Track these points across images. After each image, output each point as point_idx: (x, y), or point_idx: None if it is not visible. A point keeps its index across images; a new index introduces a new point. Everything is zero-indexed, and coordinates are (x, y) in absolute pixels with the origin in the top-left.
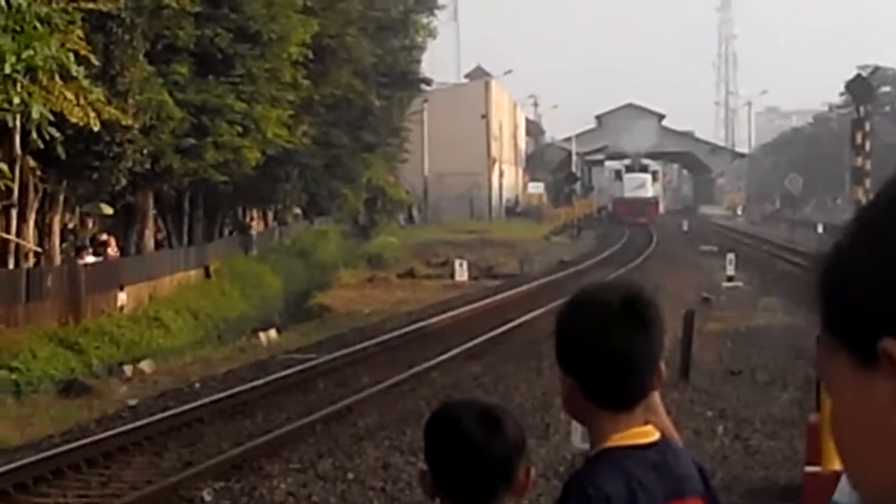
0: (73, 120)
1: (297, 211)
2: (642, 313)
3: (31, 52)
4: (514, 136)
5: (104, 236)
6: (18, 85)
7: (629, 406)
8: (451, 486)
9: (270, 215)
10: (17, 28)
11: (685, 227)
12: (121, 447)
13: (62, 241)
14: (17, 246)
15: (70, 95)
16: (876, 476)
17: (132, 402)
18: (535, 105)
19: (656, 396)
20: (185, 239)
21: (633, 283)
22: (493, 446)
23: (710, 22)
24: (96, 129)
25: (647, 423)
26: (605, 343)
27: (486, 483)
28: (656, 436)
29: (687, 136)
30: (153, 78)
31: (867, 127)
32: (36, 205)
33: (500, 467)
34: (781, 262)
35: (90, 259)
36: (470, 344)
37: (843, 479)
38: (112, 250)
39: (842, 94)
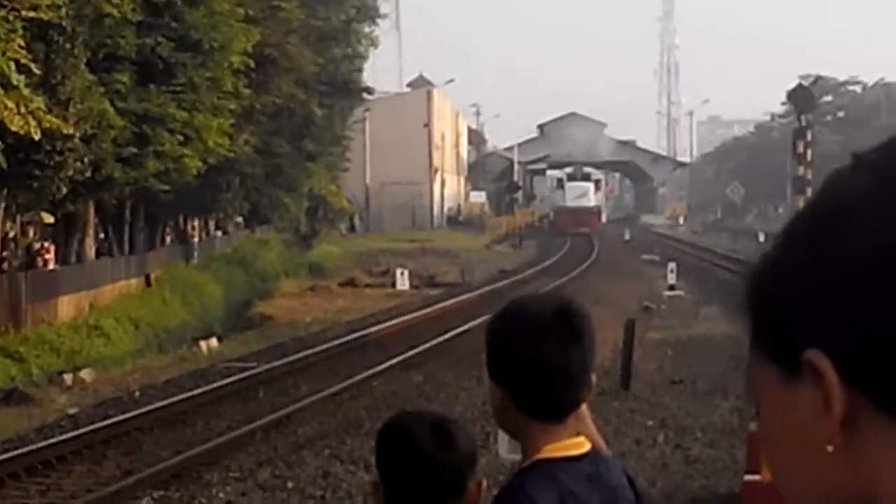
0: (14, 129)
1: (239, 220)
2: (574, 324)
3: None
4: (457, 146)
5: (37, 245)
6: None
7: (561, 417)
8: (402, 497)
9: (212, 224)
10: None
11: (627, 237)
12: (60, 456)
13: (3, 249)
14: None
15: (10, 104)
16: (804, 487)
17: (72, 410)
18: (478, 114)
19: (584, 407)
20: (126, 247)
21: (564, 296)
22: (445, 458)
23: (652, 31)
24: (37, 137)
25: (578, 434)
26: (538, 354)
27: (436, 495)
28: (587, 447)
29: (629, 145)
30: (94, 87)
31: (808, 136)
32: None
33: (451, 480)
34: (723, 271)
35: (50, 258)
36: (411, 353)
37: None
38: (49, 256)
39: (783, 103)
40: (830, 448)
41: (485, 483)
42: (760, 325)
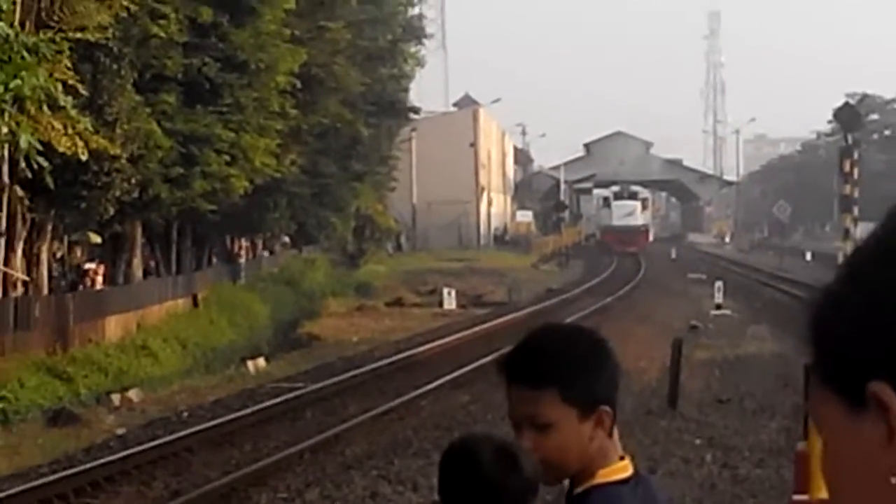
0: (61, 149)
1: (286, 239)
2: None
3: (18, 81)
4: (503, 165)
5: (88, 265)
6: (6, 115)
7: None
8: None
9: (259, 244)
10: (5, 58)
11: (673, 255)
12: (108, 476)
13: (51, 269)
14: (5, 275)
15: (58, 125)
16: None
17: (120, 431)
18: (524, 133)
19: None
20: (174, 267)
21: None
22: (509, 483)
23: (698, 50)
24: (84, 158)
25: (622, 457)
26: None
27: None
28: (631, 468)
29: (675, 163)
30: (141, 107)
31: (855, 155)
32: (24, 234)
33: None
34: (770, 290)
35: (99, 279)
36: (458, 372)
37: None
38: (98, 277)
39: (830, 121)
40: (894, 479)
41: None
42: (824, 356)
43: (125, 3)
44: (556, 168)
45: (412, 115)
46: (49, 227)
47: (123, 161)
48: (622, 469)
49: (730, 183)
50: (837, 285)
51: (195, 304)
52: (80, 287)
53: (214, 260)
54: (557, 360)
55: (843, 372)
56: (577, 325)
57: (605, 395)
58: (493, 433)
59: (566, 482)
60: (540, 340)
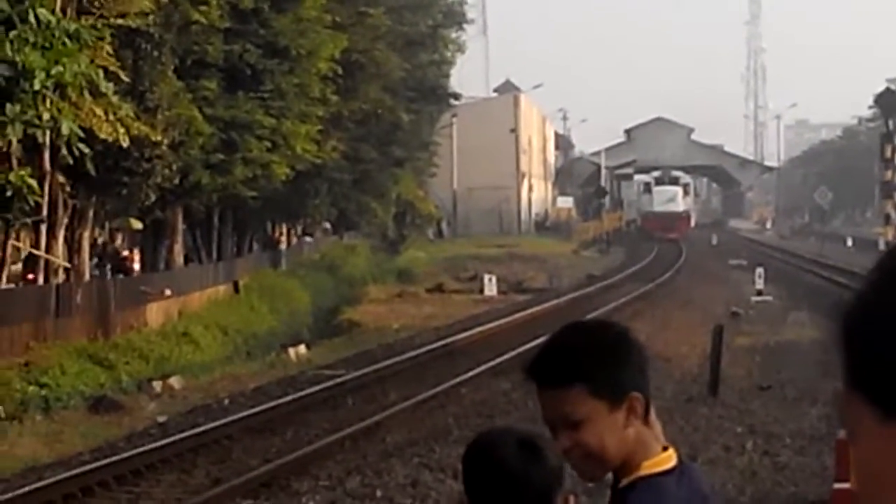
0: (103, 136)
1: (327, 226)
2: None
3: (60, 68)
4: (544, 151)
5: (124, 252)
6: (48, 101)
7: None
8: None
9: (299, 230)
10: (47, 44)
11: (714, 241)
12: (150, 464)
13: (92, 257)
14: (47, 262)
15: (99, 111)
16: None
17: (161, 418)
18: (565, 119)
19: None
20: (215, 254)
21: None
22: (532, 475)
23: (739, 35)
24: (125, 144)
25: (666, 448)
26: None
27: None
28: (675, 459)
29: (716, 149)
30: (182, 94)
31: None
32: (65, 221)
33: (538, 496)
34: (811, 276)
35: (136, 266)
36: (499, 360)
37: None
38: (135, 264)
39: (871, 107)
40: None
41: (572, 500)
42: (856, 364)
43: None
44: (597, 154)
45: (453, 101)
46: (90, 214)
47: (164, 147)
48: (666, 460)
49: (771, 168)
50: (870, 291)
51: (236, 290)
52: (124, 273)
53: (255, 246)
54: (580, 356)
55: (876, 380)
56: (598, 320)
57: (632, 384)
58: (514, 426)
59: (610, 476)
60: (561, 340)
